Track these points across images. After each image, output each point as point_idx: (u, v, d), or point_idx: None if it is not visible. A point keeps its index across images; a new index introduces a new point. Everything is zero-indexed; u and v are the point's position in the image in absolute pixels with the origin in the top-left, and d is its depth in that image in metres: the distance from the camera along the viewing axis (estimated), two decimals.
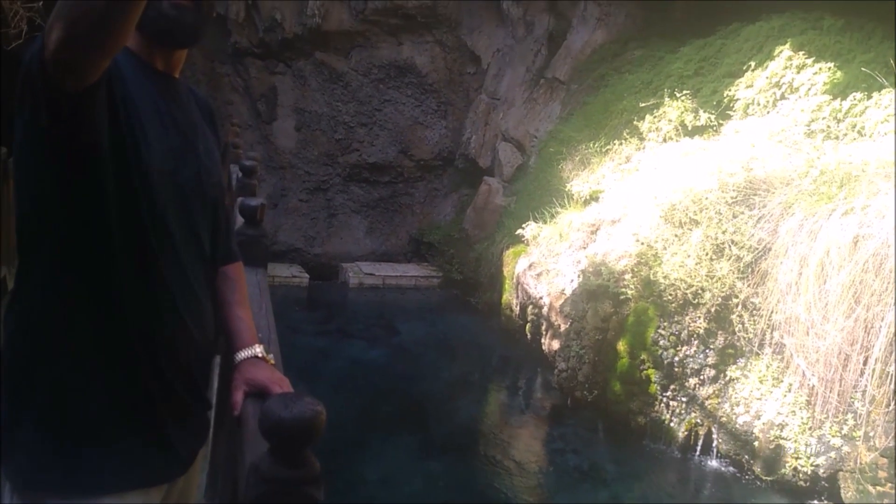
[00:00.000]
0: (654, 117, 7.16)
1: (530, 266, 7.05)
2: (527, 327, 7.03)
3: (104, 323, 1.47)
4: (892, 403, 4.20)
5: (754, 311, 5.01)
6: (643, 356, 5.38)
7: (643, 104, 7.35)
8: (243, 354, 1.65)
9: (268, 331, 2.04)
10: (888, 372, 4.21)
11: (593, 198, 7.13)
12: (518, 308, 7.27)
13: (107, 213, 1.43)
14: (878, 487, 4.23)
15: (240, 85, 10.30)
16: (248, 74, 10.18)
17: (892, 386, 4.20)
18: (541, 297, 6.69)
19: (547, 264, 6.83)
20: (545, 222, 7.34)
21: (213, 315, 1.71)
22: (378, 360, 7.14)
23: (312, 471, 1.27)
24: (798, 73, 6.27)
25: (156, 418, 1.53)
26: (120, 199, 1.43)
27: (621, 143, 7.34)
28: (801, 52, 6.39)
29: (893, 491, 4.16)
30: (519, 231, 7.51)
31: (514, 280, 7.37)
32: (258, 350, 1.66)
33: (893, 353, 4.21)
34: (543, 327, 6.58)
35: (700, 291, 5.17)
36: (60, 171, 1.37)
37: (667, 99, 7.10)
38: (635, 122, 7.34)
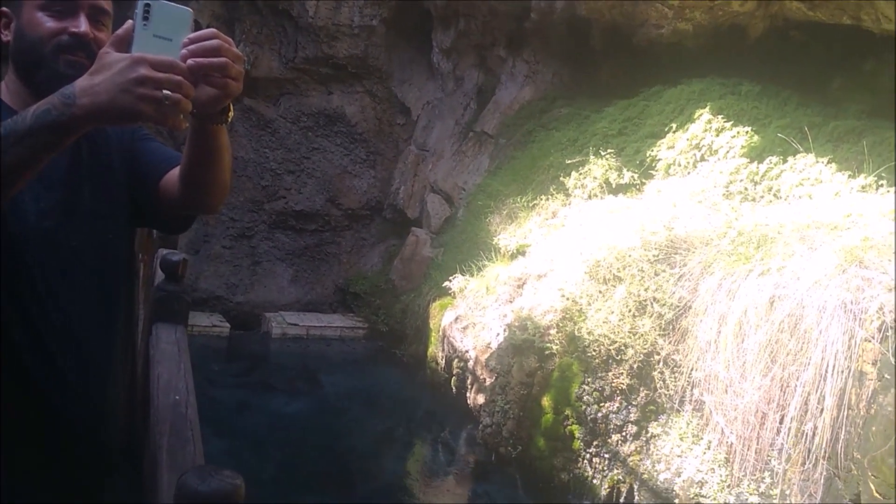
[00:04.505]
0: (580, 174, 7.30)
1: (456, 319, 7.05)
2: (452, 381, 6.99)
3: None
4: (808, 462, 4.29)
5: (675, 369, 5.09)
6: (567, 412, 5.39)
7: (569, 161, 7.50)
8: None
9: (186, 393, 1.97)
10: (803, 431, 4.30)
11: (520, 252, 7.20)
12: (444, 361, 7.24)
13: None
14: None
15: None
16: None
17: (807, 445, 4.29)
18: (466, 351, 6.68)
19: (473, 318, 6.83)
20: (472, 275, 7.37)
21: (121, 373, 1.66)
22: (300, 413, 6.99)
23: None
24: (717, 136, 6.50)
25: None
26: None
27: (548, 199, 7.46)
28: (720, 116, 6.63)
29: None
30: (446, 283, 7.52)
31: (441, 333, 7.35)
32: None
33: (808, 413, 4.31)
34: (469, 381, 6.56)
35: (623, 348, 5.24)
36: None
37: (592, 157, 7.26)
38: (562, 178, 7.47)
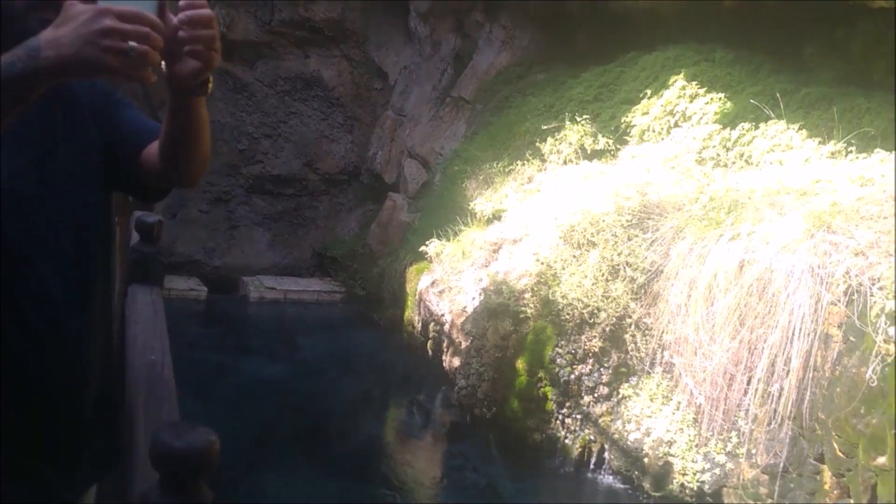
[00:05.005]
0: (556, 140, 7.33)
1: (433, 283, 7.09)
2: (428, 344, 7.06)
3: None
4: (773, 422, 4.40)
5: (646, 331, 5.18)
6: (541, 374, 5.48)
7: (545, 126, 7.52)
8: None
9: (162, 353, 2.00)
10: (770, 392, 4.41)
11: (496, 217, 7.23)
12: (420, 325, 7.29)
13: None
14: (759, 503, 4.42)
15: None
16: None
17: (773, 405, 4.40)
18: (442, 315, 6.74)
19: (449, 282, 6.89)
20: (448, 240, 7.40)
21: (98, 334, 1.66)
22: (278, 376, 7.04)
23: (204, 501, 1.25)
24: (691, 102, 6.55)
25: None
26: None
27: (524, 164, 7.49)
28: (693, 83, 6.67)
29: None
30: (422, 248, 7.54)
31: (417, 297, 7.39)
32: None
33: (774, 374, 4.42)
34: (445, 344, 6.62)
35: (596, 311, 5.32)
36: None
37: (568, 122, 7.29)
38: (537, 144, 7.50)
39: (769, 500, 4.38)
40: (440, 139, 9.40)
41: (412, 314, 7.58)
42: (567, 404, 5.38)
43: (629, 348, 5.21)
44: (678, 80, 6.77)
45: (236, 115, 10.20)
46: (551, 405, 5.42)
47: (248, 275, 9.85)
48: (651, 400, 5.04)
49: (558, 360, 5.40)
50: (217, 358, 7.28)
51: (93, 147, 1.60)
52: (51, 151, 1.52)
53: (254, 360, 7.44)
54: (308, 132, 10.51)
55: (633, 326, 5.22)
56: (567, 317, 5.41)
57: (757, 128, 5.97)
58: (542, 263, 5.79)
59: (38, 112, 1.50)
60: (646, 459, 4.94)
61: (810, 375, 4.26)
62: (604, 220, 5.62)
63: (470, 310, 6.28)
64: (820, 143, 5.59)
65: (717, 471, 4.65)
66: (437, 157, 9.27)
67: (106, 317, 1.71)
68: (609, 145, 6.96)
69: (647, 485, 4.96)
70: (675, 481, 4.78)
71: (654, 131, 6.68)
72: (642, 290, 5.26)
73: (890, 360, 3.80)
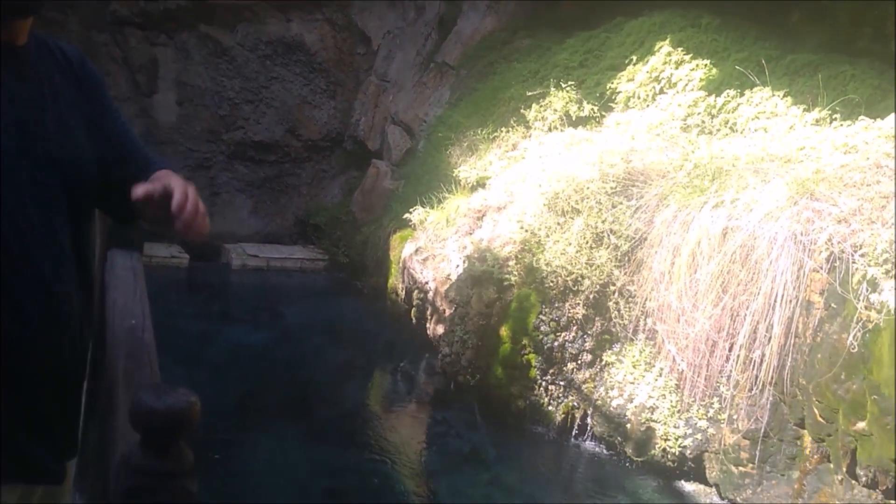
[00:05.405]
0: (541, 106, 7.29)
1: (417, 251, 7.08)
2: (412, 312, 7.06)
3: None
4: (755, 388, 4.44)
5: (630, 299, 5.19)
6: (525, 341, 5.49)
7: (530, 93, 7.47)
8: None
9: (142, 317, 1.97)
10: (751, 358, 4.45)
11: (480, 184, 7.21)
12: (404, 292, 7.29)
13: None
14: (740, 467, 4.47)
15: (118, 55, 9.86)
16: (126, 45, 9.74)
17: (755, 371, 4.44)
18: (426, 282, 6.73)
19: (433, 249, 6.87)
20: (432, 207, 7.37)
21: (81, 305, 1.63)
22: (261, 344, 7.02)
23: (185, 463, 1.24)
24: (676, 68, 6.52)
25: None
26: None
27: (508, 131, 7.45)
28: (679, 49, 6.63)
29: (754, 471, 4.41)
30: (406, 215, 7.51)
31: (401, 264, 7.38)
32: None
33: (756, 340, 4.45)
34: (428, 312, 6.63)
35: (580, 278, 5.32)
36: None
37: (552, 89, 7.24)
38: (522, 111, 7.46)
39: (750, 465, 4.43)
40: (424, 105, 9.33)
41: (396, 282, 7.57)
42: (550, 371, 5.40)
43: (612, 315, 5.22)
44: (664, 47, 6.74)
45: (217, 79, 10.07)
46: (535, 372, 5.44)
47: (231, 242, 9.78)
48: (634, 367, 5.07)
49: (542, 328, 5.40)
50: (199, 326, 7.25)
51: (80, 129, 1.58)
52: (40, 115, 1.48)
53: (237, 327, 7.42)
54: (290, 98, 10.39)
55: (616, 294, 5.23)
56: (551, 284, 5.41)
57: (742, 95, 5.96)
58: (527, 231, 5.78)
59: (25, 75, 1.47)
60: (628, 425, 4.97)
61: (792, 342, 4.30)
62: (588, 188, 5.61)
63: (454, 277, 6.28)
64: (805, 110, 5.59)
65: (699, 436, 4.70)
66: (421, 124, 9.21)
67: (86, 282, 1.68)
68: (594, 112, 6.92)
69: (629, 450, 5.01)
70: (657, 447, 4.82)
71: (639, 98, 6.66)
72: (626, 258, 5.27)
73: (871, 326, 3.83)
